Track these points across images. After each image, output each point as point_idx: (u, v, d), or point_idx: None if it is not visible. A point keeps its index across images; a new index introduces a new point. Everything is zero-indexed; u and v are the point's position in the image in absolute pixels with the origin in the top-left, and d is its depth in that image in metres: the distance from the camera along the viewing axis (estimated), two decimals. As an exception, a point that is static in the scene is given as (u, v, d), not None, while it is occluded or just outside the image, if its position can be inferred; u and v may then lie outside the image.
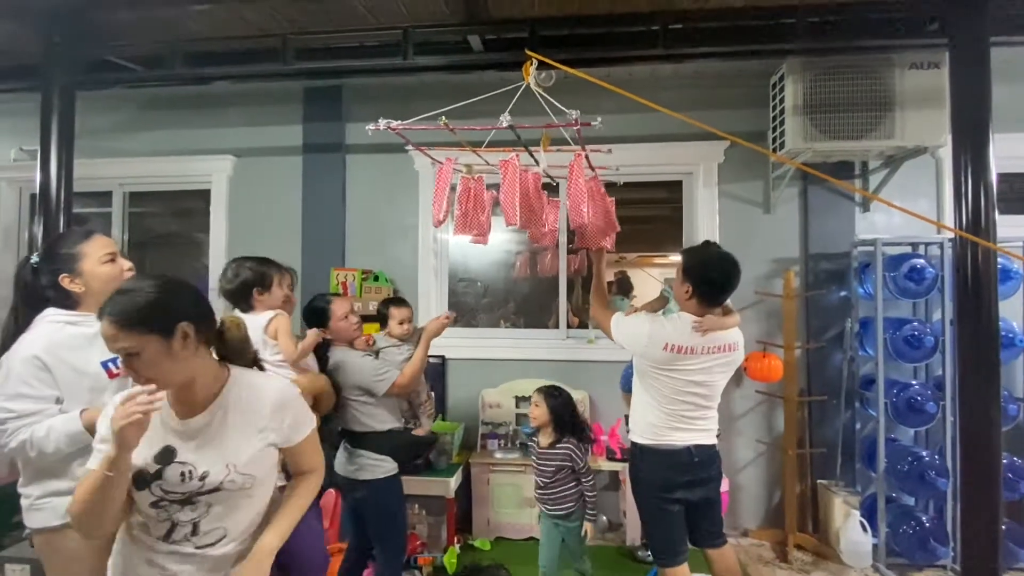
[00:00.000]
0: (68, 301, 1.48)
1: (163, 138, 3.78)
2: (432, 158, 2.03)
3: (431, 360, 3.23)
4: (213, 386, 1.20)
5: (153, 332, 1.07)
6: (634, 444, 2.06)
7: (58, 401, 1.41)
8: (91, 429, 1.34)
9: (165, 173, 3.78)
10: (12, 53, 2.87)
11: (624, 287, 4.78)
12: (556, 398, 2.42)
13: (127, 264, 1.55)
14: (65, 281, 1.46)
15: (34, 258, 1.51)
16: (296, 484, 1.32)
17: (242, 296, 1.95)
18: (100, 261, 1.49)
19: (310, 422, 1.31)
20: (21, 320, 1.48)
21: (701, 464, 1.97)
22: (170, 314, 1.11)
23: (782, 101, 2.94)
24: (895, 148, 2.88)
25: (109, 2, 2.46)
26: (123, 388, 1.47)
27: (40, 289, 1.48)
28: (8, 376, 1.39)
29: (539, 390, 2.46)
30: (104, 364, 1.46)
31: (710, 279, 1.92)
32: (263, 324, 1.90)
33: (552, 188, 2.66)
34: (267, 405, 1.22)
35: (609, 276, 4.94)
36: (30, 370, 1.38)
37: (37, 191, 2.60)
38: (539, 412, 2.41)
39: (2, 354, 1.44)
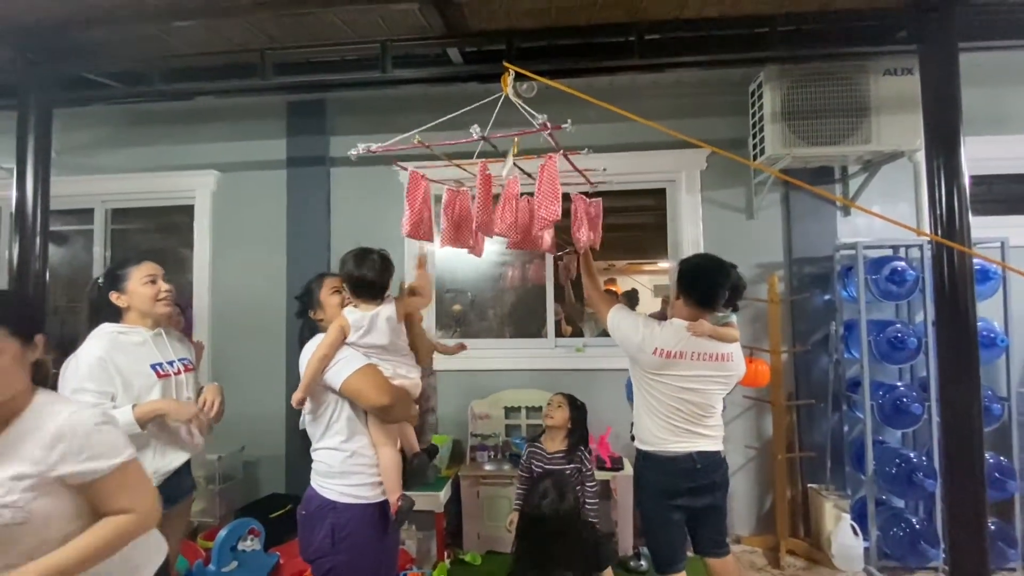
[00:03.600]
0: (116, 315, 1.76)
1: (145, 154, 3.76)
2: (403, 166, 2.02)
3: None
4: (17, 405, 1.11)
5: (15, 337, 1.10)
6: (638, 451, 2.09)
7: (112, 399, 1.61)
8: (141, 422, 1.58)
9: (148, 189, 3.76)
10: (-13, 72, 2.84)
11: (632, 301, 4.85)
12: (579, 409, 2.44)
13: (166, 286, 1.80)
14: (113, 296, 1.75)
15: (100, 278, 1.82)
16: (99, 523, 1.13)
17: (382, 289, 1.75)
18: (141, 282, 1.76)
19: (104, 457, 1.11)
20: (89, 329, 1.75)
21: (705, 471, 1.97)
22: (34, 323, 1.15)
23: (761, 108, 2.97)
24: (872, 153, 2.92)
25: (86, 20, 2.44)
26: (168, 388, 1.73)
27: (98, 302, 1.77)
28: (76, 372, 1.59)
29: (563, 394, 2.48)
30: (153, 367, 1.71)
31: (694, 280, 2.01)
32: (393, 313, 1.69)
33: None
34: (47, 434, 1.08)
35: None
36: (94, 369, 1.60)
37: (13, 210, 2.57)
38: (561, 415, 2.39)
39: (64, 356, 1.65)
